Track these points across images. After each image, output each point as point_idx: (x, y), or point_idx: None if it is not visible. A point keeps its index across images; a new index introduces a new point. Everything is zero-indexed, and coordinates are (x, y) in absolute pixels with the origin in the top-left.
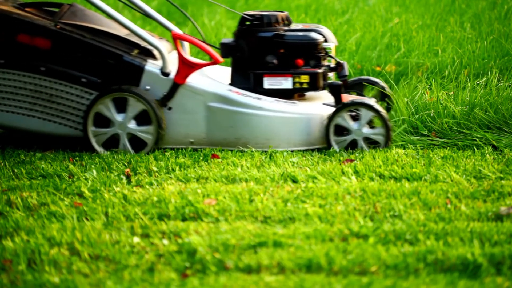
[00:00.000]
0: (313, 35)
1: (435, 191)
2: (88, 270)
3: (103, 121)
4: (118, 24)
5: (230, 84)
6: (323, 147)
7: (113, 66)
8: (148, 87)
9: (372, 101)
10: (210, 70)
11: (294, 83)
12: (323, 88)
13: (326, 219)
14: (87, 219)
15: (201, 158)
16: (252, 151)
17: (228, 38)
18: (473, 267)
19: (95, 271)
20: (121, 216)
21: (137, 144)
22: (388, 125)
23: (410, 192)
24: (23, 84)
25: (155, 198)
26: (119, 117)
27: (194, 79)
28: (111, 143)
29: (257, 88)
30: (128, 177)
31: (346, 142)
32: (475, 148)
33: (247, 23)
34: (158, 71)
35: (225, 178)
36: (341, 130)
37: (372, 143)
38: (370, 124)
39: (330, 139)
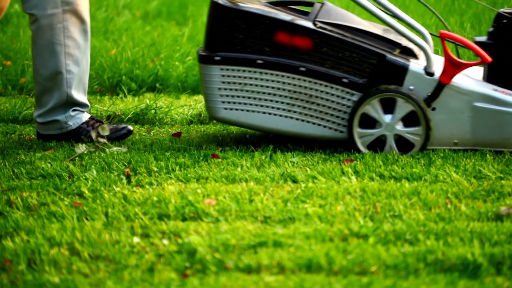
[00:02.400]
0: None
1: (435, 191)
2: (88, 270)
3: (366, 122)
4: (383, 23)
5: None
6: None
7: (375, 66)
8: (411, 87)
9: None
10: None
11: None
12: None
13: (326, 219)
14: (87, 219)
15: (201, 158)
16: (252, 151)
17: (482, 37)
18: (473, 267)
19: (95, 271)
20: (121, 216)
21: (400, 146)
22: None
23: (410, 192)
24: (282, 85)
25: (155, 198)
26: (387, 118)
27: (458, 79)
28: (376, 145)
29: None
30: (128, 177)
31: None
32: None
33: (505, 21)
34: (422, 71)
35: (225, 178)
36: None
37: None
38: None
39: None
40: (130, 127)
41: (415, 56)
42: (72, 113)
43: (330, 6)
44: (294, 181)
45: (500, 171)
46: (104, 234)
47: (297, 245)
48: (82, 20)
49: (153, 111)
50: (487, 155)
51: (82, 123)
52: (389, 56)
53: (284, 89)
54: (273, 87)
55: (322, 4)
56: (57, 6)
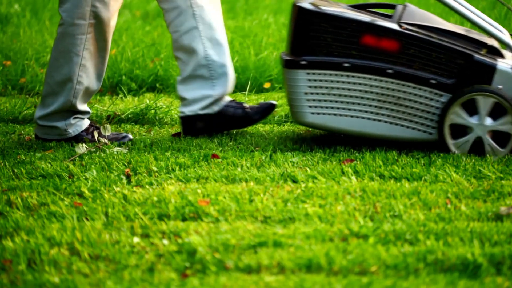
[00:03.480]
0: None
1: (435, 191)
2: (88, 270)
3: (457, 131)
4: (470, 22)
5: None
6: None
7: (463, 66)
8: (500, 87)
9: None
10: None
11: None
12: None
13: (326, 219)
14: (87, 219)
15: (201, 158)
16: (252, 151)
17: None
18: (473, 267)
19: (95, 271)
20: (121, 216)
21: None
22: None
23: (410, 192)
24: (369, 88)
25: (155, 198)
26: (473, 120)
27: None
28: (475, 148)
29: None
30: (128, 177)
31: None
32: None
33: None
34: (510, 70)
35: (225, 178)
36: None
37: None
38: None
39: None
40: (130, 136)
41: (501, 55)
42: (73, 121)
43: (413, 8)
44: (294, 181)
45: (500, 171)
46: (104, 234)
47: (297, 245)
48: (104, 38)
49: (153, 111)
50: (487, 155)
51: (82, 131)
52: (476, 56)
53: (371, 92)
54: (360, 90)
55: (405, 6)
56: (85, 18)
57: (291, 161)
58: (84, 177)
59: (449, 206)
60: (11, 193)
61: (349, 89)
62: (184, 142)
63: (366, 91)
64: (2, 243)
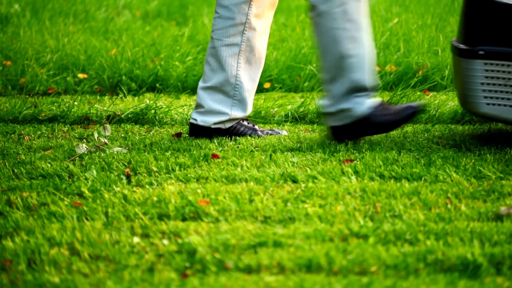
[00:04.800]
0: None
1: (435, 191)
2: (88, 270)
3: None
4: None
5: None
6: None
7: None
8: None
9: None
10: None
11: None
12: None
13: (326, 219)
14: (87, 219)
15: (201, 158)
16: (252, 151)
17: None
18: (473, 267)
19: (95, 271)
20: (121, 216)
21: None
22: None
23: (410, 192)
24: None
25: (155, 198)
26: None
27: None
28: None
29: None
30: (128, 177)
31: None
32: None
33: None
34: None
35: (225, 178)
36: None
37: None
38: None
39: None
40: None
41: None
42: (358, 99)
43: None
44: (294, 181)
45: (500, 171)
46: (104, 234)
47: (297, 245)
48: (361, 1)
49: (153, 111)
50: (487, 155)
51: (369, 108)
52: None
53: None
54: None
55: None
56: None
57: (291, 161)
58: (84, 177)
59: (449, 206)
60: (11, 193)
61: (510, 79)
62: (184, 142)
63: None
64: (2, 243)
